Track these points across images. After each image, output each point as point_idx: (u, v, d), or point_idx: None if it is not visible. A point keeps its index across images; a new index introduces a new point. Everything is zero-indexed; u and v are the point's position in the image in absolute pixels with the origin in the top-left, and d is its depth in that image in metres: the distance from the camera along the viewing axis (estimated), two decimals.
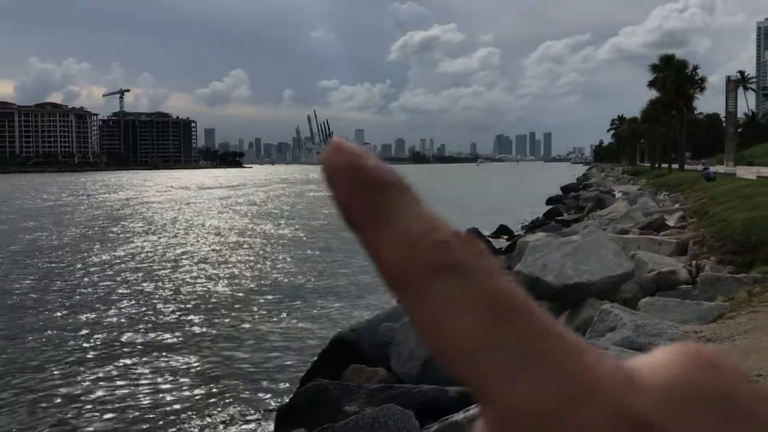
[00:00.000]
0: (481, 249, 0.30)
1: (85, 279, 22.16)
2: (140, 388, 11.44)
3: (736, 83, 58.55)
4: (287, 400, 9.23)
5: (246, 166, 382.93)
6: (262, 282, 21.36)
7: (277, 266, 24.80)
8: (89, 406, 10.69)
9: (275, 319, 16.10)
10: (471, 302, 0.28)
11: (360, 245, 0.29)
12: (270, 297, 18.85)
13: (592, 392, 0.27)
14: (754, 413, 0.28)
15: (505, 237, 30.66)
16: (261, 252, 28.98)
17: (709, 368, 0.29)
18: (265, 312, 16.95)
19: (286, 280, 21.75)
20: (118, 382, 11.73)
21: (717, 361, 0.29)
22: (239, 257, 27.34)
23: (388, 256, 0.29)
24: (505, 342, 0.27)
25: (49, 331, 15.06)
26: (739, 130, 78.55)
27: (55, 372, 12.33)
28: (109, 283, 21.36)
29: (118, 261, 26.28)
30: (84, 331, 15.08)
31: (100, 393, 11.26)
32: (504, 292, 0.28)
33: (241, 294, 19.36)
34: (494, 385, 0.27)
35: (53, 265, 25.33)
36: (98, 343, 14.18)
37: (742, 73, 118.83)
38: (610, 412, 0.27)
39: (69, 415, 10.35)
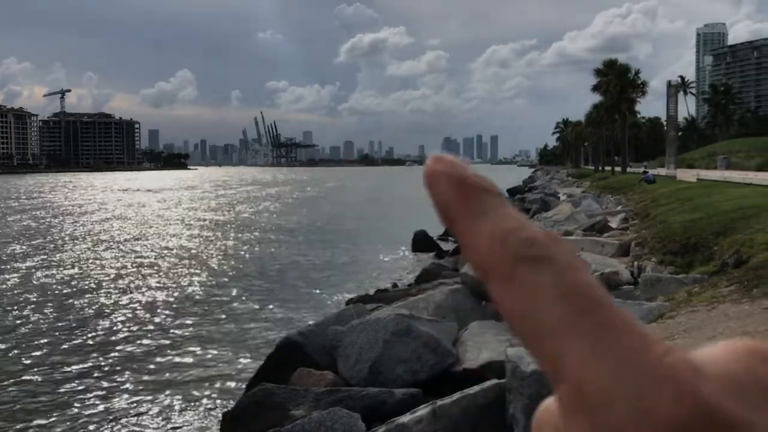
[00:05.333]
0: (566, 247, 0.33)
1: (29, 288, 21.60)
2: (76, 394, 11.13)
3: (676, 88, 59.87)
4: (233, 405, 9.11)
5: (191, 167, 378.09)
6: (208, 285, 21.05)
7: (223, 269, 24.50)
8: (23, 416, 10.41)
9: (221, 322, 15.89)
10: (556, 291, 0.31)
11: (457, 238, 0.33)
12: (216, 300, 18.59)
13: (666, 376, 0.29)
14: None
15: (453, 239, 30.87)
16: (206, 255, 28.62)
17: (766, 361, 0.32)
18: (210, 315, 16.71)
19: (232, 283, 21.47)
20: (53, 389, 11.42)
21: None
22: (184, 260, 26.94)
23: (482, 248, 0.33)
24: (587, 327, 0.30)
25: None
26: (679, 133, 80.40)
27: None
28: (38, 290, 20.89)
29: (49, 266, 25.69)
30: (22, 339, 14.71)
31: (35, 403, 10.96)
32: (587, 284, 0.31)
33: (185, 297, 19.05)
34: (573, 365, 0.30)
35: None
36: (37, 348, 13.82)
37: (682, 78, 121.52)
38: (683, 395, 0.29)
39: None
